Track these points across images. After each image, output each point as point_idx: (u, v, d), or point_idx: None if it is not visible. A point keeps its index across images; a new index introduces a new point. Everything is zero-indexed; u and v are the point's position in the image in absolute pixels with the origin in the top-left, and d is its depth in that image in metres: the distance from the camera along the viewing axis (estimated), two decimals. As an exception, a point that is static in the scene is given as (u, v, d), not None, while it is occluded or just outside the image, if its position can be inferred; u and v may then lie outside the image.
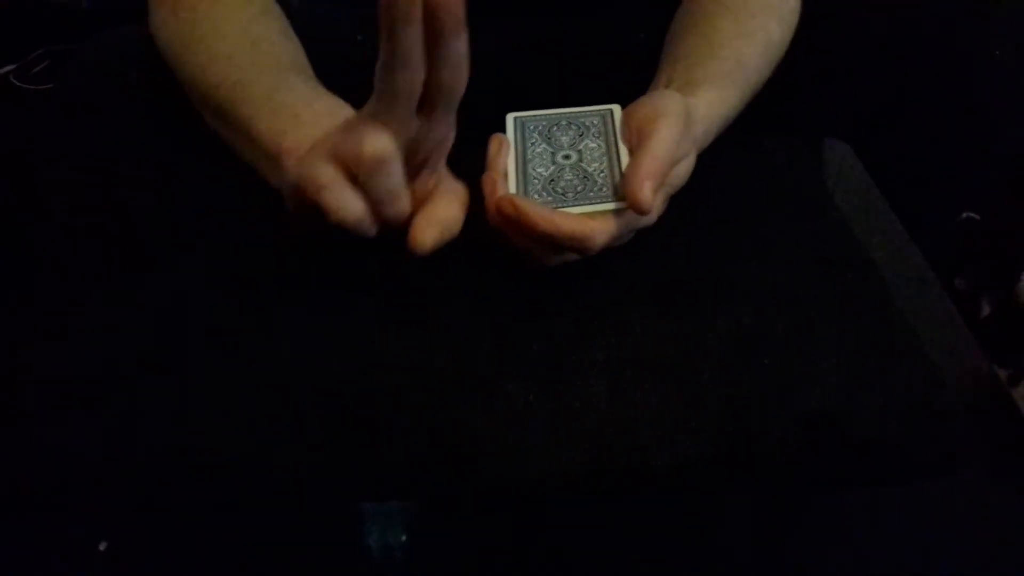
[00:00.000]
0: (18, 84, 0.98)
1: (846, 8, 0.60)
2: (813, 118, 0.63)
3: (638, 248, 0.48)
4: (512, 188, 0.46)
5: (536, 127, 0.49)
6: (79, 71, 0.61)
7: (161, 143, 0.57)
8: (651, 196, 0.42)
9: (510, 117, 0.50)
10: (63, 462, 0.42)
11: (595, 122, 0.49)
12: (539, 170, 0.47)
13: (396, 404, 0.43)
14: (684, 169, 0.47)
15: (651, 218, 0.46)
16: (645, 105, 0.47)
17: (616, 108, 0.50)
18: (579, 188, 0.46)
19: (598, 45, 0.66)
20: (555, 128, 0.49)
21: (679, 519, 0.43)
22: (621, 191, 0.45)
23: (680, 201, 0.47)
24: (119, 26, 0.62)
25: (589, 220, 0.44)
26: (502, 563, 0.46)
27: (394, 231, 0.39)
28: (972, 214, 0.82)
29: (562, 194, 0.46)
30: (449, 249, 0.43)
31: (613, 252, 0.45)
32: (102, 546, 0.43)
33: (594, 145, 0.48)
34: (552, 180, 0.46)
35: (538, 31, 0.67)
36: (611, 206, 0.45)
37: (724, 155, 0.50)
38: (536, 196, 0.46)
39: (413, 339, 0.45)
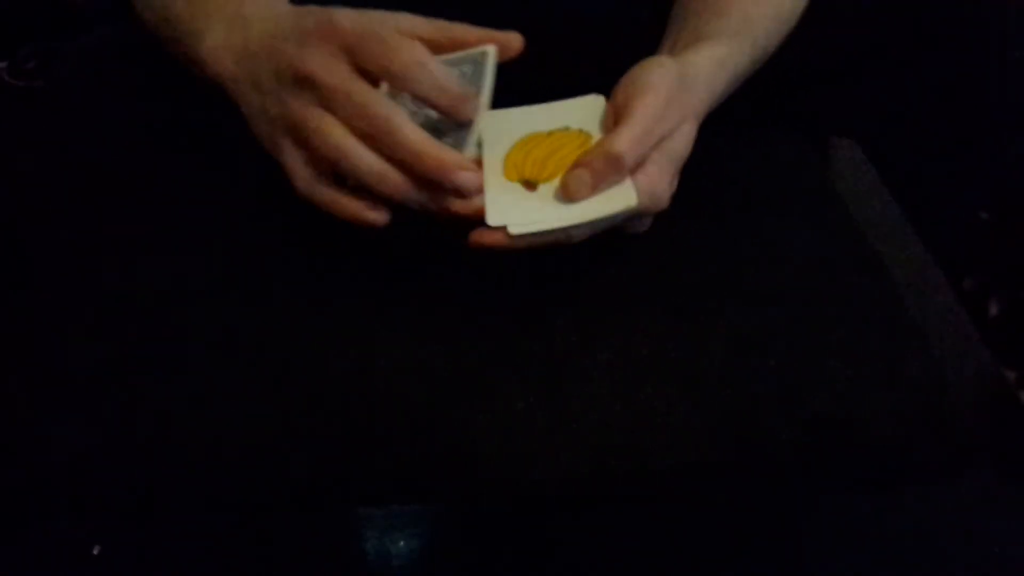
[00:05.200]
0: (9, 80, 0.98)
1: (856, 5, 0.59)
2: (821, 116, 0.63)
3: (641, 248, 0.47)
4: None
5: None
6: (71, 68, 0.61)
7: (154, 141, 0.56)
8: (630, 147, 0.41)
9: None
10: (56, 464, 0.42)
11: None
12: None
13: (395, 407, 0.42)
14: (682, 141, 0.45)
15: (665, 200, 0.44)
16: (628, 81, 0.45)
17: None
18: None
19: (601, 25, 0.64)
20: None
21: (683, 524, 0.42)
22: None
23: (684, 200, 0.46)
24: (112, 23, 0.62)
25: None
26: (503, 567, 0.46)
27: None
28: (982, 214, 0.82)
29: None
30: (449, 250, 0.42)
31: (613, 252, 0.45)
32: (96, 550, 0.43)
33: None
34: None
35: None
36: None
37: (730, 153, 0.49)
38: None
39: (412, 341, 0.45)
